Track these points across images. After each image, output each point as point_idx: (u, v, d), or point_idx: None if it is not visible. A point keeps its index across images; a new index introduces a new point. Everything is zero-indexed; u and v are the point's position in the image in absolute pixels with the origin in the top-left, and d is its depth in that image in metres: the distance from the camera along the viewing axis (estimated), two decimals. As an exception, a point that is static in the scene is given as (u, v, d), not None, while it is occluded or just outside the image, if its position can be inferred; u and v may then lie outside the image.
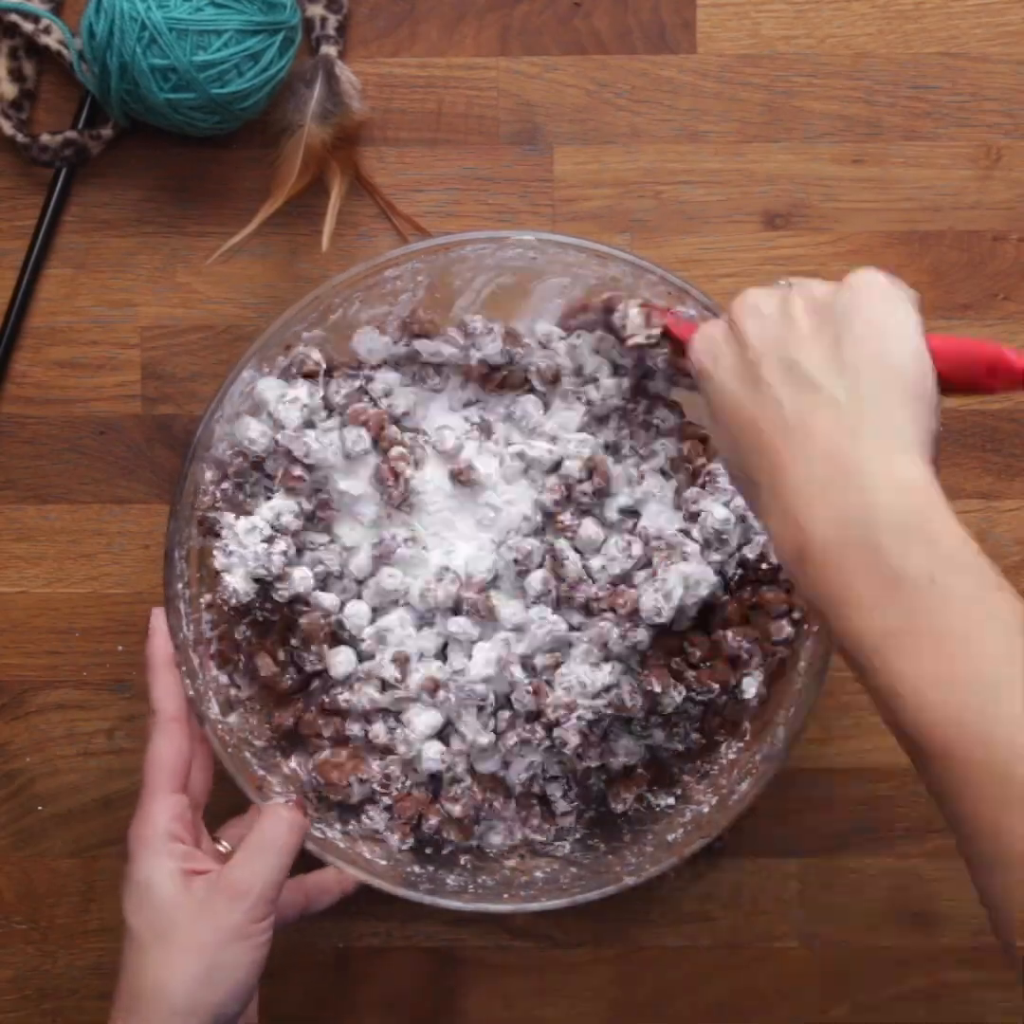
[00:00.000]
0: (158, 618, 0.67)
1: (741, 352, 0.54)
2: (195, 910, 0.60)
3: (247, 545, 0.66)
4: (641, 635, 0.67)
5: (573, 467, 0.68)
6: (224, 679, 0.69)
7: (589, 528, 0.68)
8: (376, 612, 0.70)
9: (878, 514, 0.49)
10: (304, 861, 0.67)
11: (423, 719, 0.68)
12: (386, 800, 0.70)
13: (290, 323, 0.67)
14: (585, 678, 0.67)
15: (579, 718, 0.67)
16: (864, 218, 0.75)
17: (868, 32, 0.75)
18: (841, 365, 0.52)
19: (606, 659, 0.68)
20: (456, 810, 0.69)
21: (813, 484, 0.50)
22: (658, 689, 0.66)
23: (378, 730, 0.69)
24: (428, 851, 0.71)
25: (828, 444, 0.51)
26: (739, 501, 0.67)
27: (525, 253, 0.68)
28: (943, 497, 0.49)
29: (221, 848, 0.66)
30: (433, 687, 0.68)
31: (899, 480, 0.49)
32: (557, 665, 0.68)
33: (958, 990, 0.76)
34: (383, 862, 0.69)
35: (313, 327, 0.69)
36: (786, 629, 0.68)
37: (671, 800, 0.71)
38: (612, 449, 0.70)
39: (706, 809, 0.69)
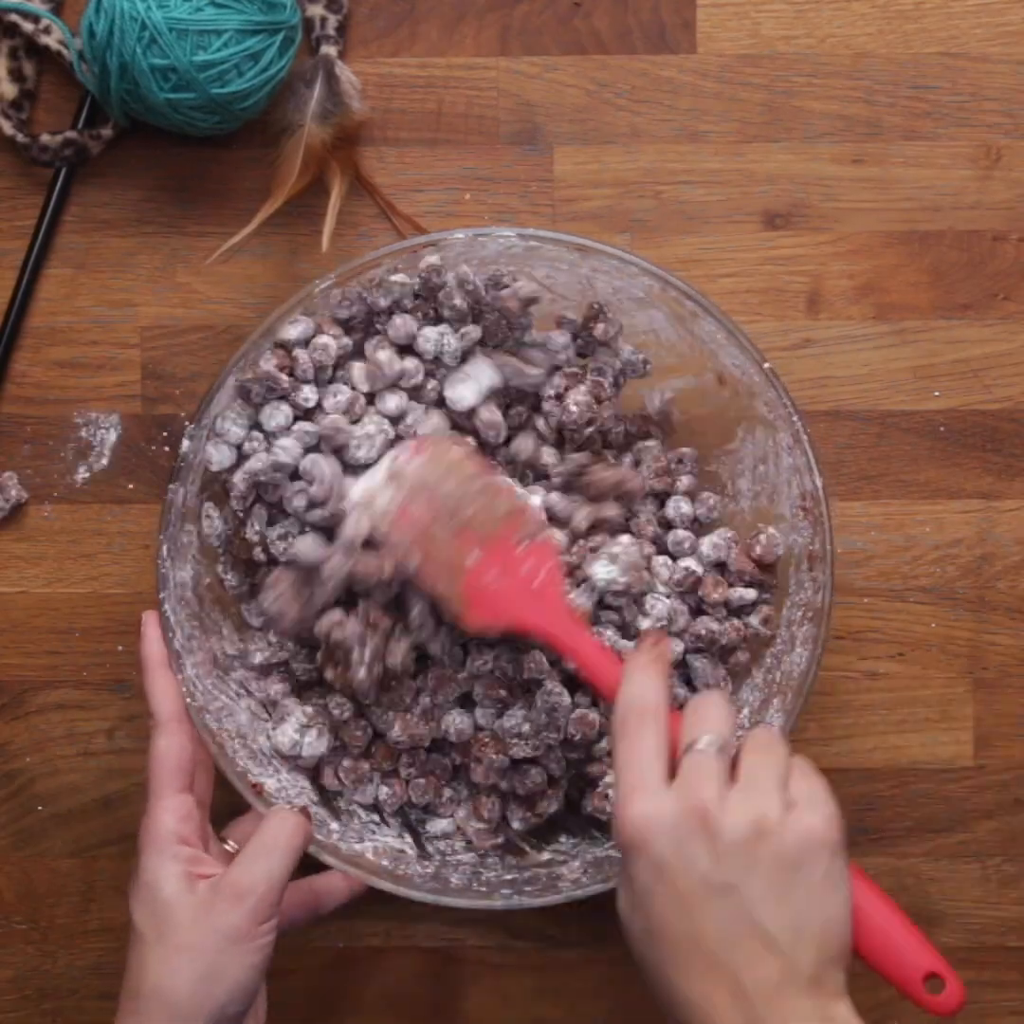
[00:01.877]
0: (149, 621, 0.67)
1: (712, 853, 0.53)
2: (196, 912, 0.60)
3: None
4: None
5: None
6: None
7: None
8: None
9: None
10: (310, 867, 0.67)
11: None
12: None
13: (275, 327, 0.68)
14: None
15: None
16: (864, 218, 0.75)
17: (868, 32, 0.75)
18: (793, 914, 0.53)
19: None
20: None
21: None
22: None
23: None
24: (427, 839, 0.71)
25: (768, 990, 0.53)
26: None
27: (510, 250, 0.69)
28: None
29: (228, 848, 0.67)
30: None
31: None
32: None
33: (958, 990, 0.76)
34: (386, 863, 0.69)
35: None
36: None
37: None
38: None
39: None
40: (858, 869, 0.57)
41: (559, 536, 0.67)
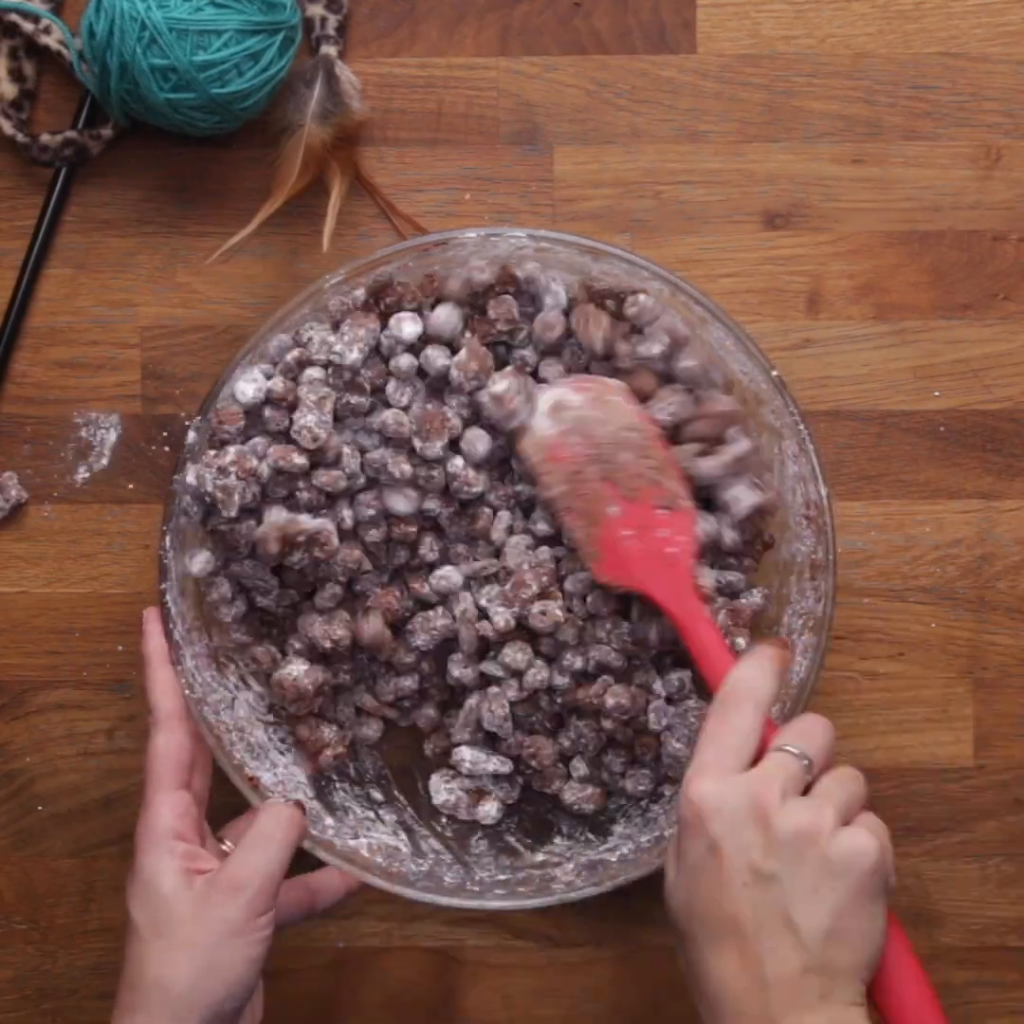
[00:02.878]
0: (151, 617, 0.68)
1: (764, 844, 0.56)
2: (194, 907, 0.61)
3: None
4: None
5: None
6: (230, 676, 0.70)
7: None
8: None
9: None
10: (306, 863, 0.67)
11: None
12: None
13: (281, 323, 0.68)
14: None
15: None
16: (864, 218, 0.75)
17: (868, 32, 0.75)
18: (826, 917, 0.55)
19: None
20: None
21: None
22: None
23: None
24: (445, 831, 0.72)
25: (786, 982, 0.55)
26: None
27: (518, 250, 0.69)
28: None
29: (225, 847, 0.67)
30: None
31: None
32: None
33: (958, 990, 0.76)
34: (380, 859, 0.69)
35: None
36: None
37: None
38: None
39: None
40: (895, 920, 0.59)
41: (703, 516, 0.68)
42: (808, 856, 0.55)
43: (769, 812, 0.56)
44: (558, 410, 0.64)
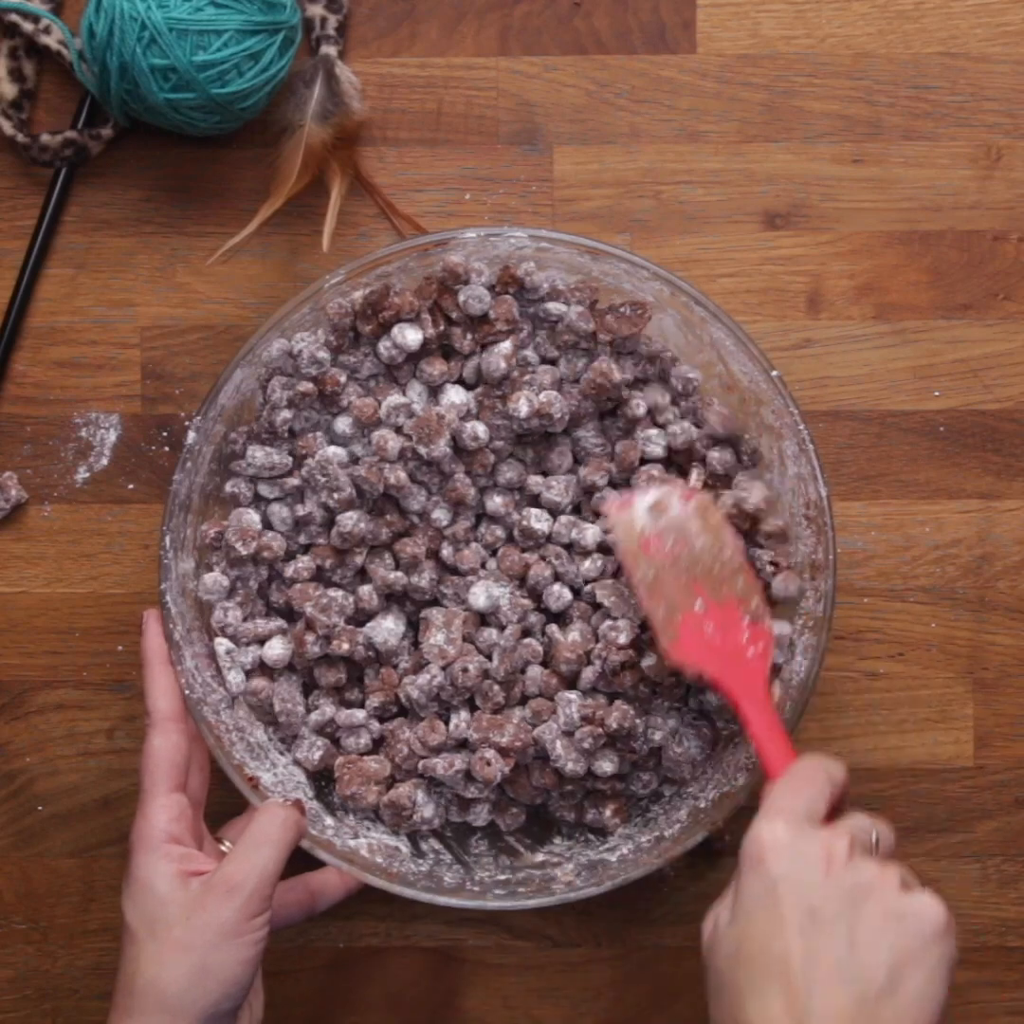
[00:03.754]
0: (151, 618, 0.68)
1: (825, 888, 0.54)
2: (189, 908, 0.60)
3: None
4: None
5: None
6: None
7: None
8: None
9: None
10: (305, 863, 0.67)
11: None
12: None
13: (280, 323, 0.68)
14: None
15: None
16: (864, 218, 0.75)
17: (868, 32, 0.75)
18: (883, 967, 0.53)
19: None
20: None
21: None
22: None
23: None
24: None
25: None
26: None
27: (518, 250, 0.69)
28: None
29: (224, 847, 0.67)
30: None
31: None
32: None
33: (958, 990, 0.76)
34: (380, 859, 0.69)
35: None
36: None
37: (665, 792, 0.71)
38: None
39: (703, 804, 0.69)
40: None
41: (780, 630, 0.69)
42: (871, 902, 0.54)
43: (835, 860, 0.55)
44: (659, 508, 0.67)
